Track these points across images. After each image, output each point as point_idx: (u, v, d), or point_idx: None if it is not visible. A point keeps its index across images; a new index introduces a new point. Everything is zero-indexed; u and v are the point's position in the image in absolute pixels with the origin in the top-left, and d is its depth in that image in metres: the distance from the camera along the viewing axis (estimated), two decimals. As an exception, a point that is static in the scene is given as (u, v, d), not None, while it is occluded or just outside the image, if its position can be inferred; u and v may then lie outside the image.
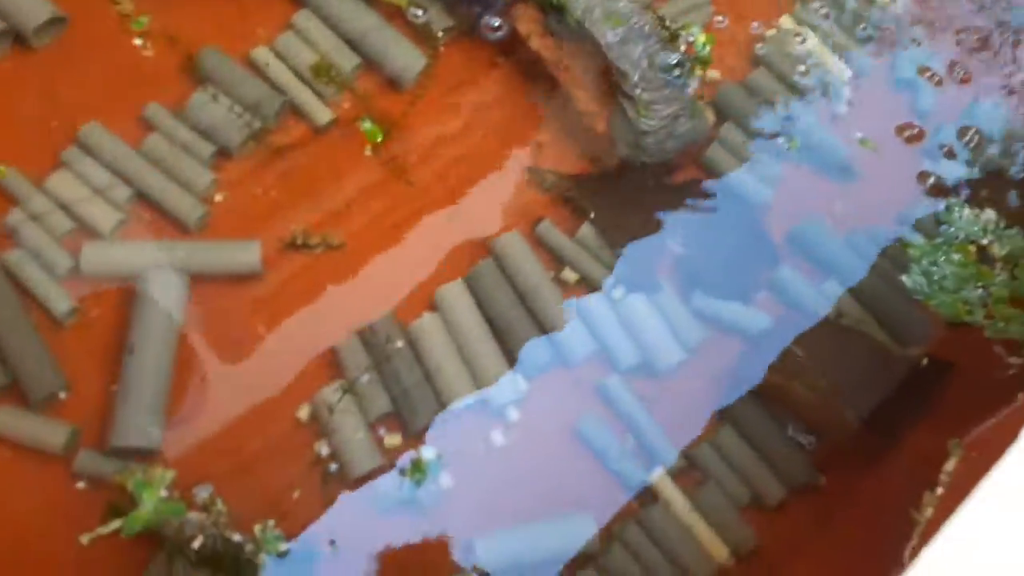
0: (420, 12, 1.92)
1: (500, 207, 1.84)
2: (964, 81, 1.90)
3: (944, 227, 1.74)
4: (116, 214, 1.71)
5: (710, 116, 1.92)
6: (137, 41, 1.86)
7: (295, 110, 1.86)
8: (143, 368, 1.56)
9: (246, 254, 1.70)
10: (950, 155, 1.83)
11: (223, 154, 1.80)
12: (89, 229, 1.70)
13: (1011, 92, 1.91)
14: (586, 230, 1.82)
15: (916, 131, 1.87)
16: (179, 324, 1.62)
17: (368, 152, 1.82)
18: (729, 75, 1.96)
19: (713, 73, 1.95)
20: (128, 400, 1.54)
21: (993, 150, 1.83)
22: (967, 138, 1.81)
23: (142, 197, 1.75)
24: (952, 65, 1.93)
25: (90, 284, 1.67)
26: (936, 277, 1.67)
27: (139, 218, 1.74)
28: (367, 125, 1.83)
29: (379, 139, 1.82)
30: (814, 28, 1.99)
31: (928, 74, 1.92)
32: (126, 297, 1.65)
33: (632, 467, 1.63)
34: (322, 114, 1.85)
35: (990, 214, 1.73)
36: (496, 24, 1.90)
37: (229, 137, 1.79)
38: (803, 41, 1.93)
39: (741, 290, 1.80)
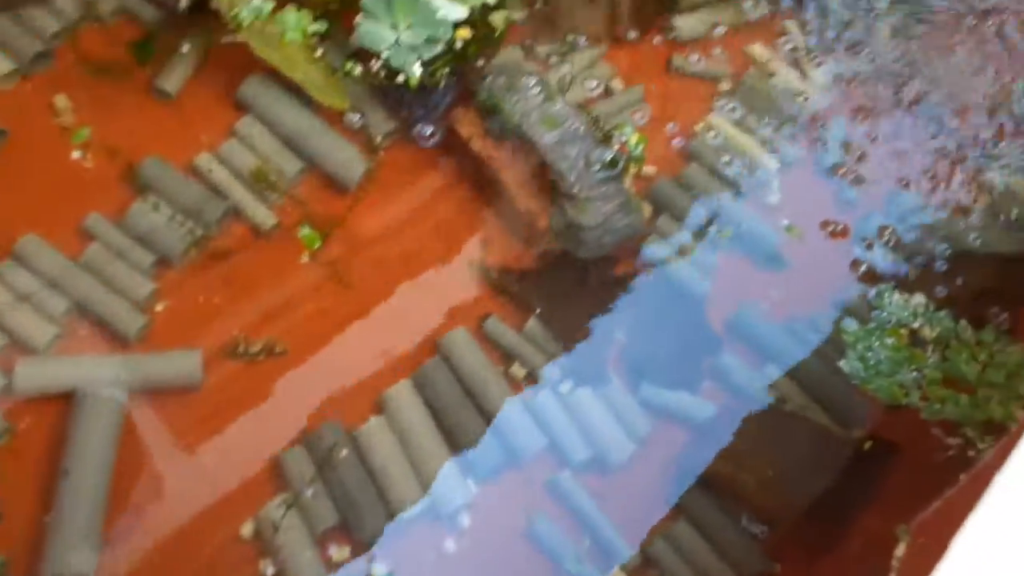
0: (357, 117, 1.89)
1: (445, 305, 1.79)
2: (861, 180, 1.92)
3: (876, 312, 1.73)
4: (51, 328, 1.61)
5: (646, 210, 1.90)
6: (76, 154, 1.79)
7: (239, 215, 1.80)
8: (78, 493, 1.44)
9: (187, 365, 1.61)
10: (873, 247, 1.84)
11: (165, 262, 1.72)
12: (23, 344, 1.59)
13: (915, 183, 1.94)
14: (532, 325, 1.77)
15: (841, 227, 1.88)
16: (116, 442, 1.52)
17: (306, 259, 1.76)
18: (664, 169, 1.95)
19: (648, 169, 1.95)
20: (62, 528, 1.42)
21: (912, 238, 1.84)
22: (885, 238, 1.82)
23: (80, 309, 1.65)
24: (864, 156, 1.96)
25: (24, 402, 1.55)
26: (872, 362, 1.65)
27: (75, 332, 1.64)
28: (305, 231, 1.77)
29: (317, 245, 1.77)
30: (739, 123, 2.00)
31: (843, 171, 1.94)
32: (62, 414, 1.54)
33: (588, 569, 1.55)
34: (266, 219, 1.79)
35: (919, 298, 1.73)
36: (429, 132, 1.89)
37: (171, 245, 1.72)
38: (716, 136, 1.94)
39: (686, 379, 1.76)
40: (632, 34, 2.07)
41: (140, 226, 1.73)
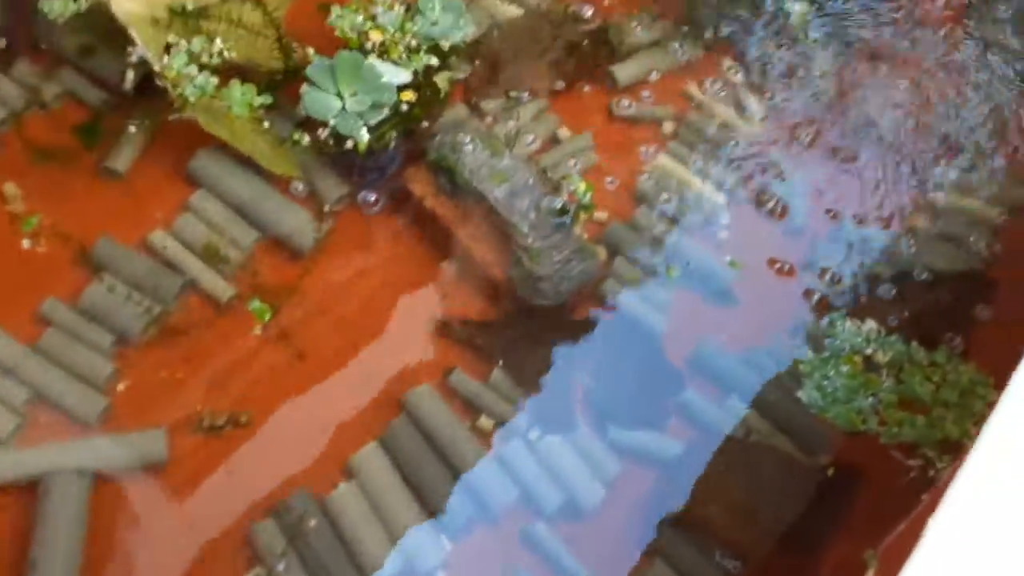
0: (301, 186, 1.93)
1: (409, 362, 1.81)
2: (804, 211, 1.98)
3: (830, 340, 1.78)
4: (13, 419, 1.61)
5: (601, 254, 1.95)
6: (26, 242, 1.81)
7: (196, 289, 1.81)
8: (46, 583, 1.44)
9: (151, 445, 1.61)
10: (822, 277, 1.90)
11: (124, 341, 1.73)
12: (-16, 437, 1.59)
13: (857, 211, 2.00)
14: (497, 375, 1.80)
15: (789, 258, 1.94)
16: (84, 528, 1.51)
17: (258, 331, 1.77)
18: (616, 213, 2.00)
19: (600, 213, 2.00)
20: (31, 621, 1.41)
21: (859, 265, 1.90)
22: (832, 266, 1.89)
23: (41, 396, 1.65)
24: (806, 187, 2.03)
25: (-12, 495, 1.55)
26: (829, 390, 1.70)
27: (38, 419, 1.64)
28: (255, 304, 1.80)
29: (267, 318, 1.79)
30: (684, 162, 2.06)
31: (782, 204, 1.99)
32: (27, 505, 1.53)
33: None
34: (224, 291, 1.81)
35: (871, 324, 1.79)
36: (372, 199, 1.93)
37: (129, 325, 1.73)
38: (663, 178, 1.99)
39: (651, 418, 1.80)
40: (568, 85, 2.12)
41: (97, 307, 1.74)
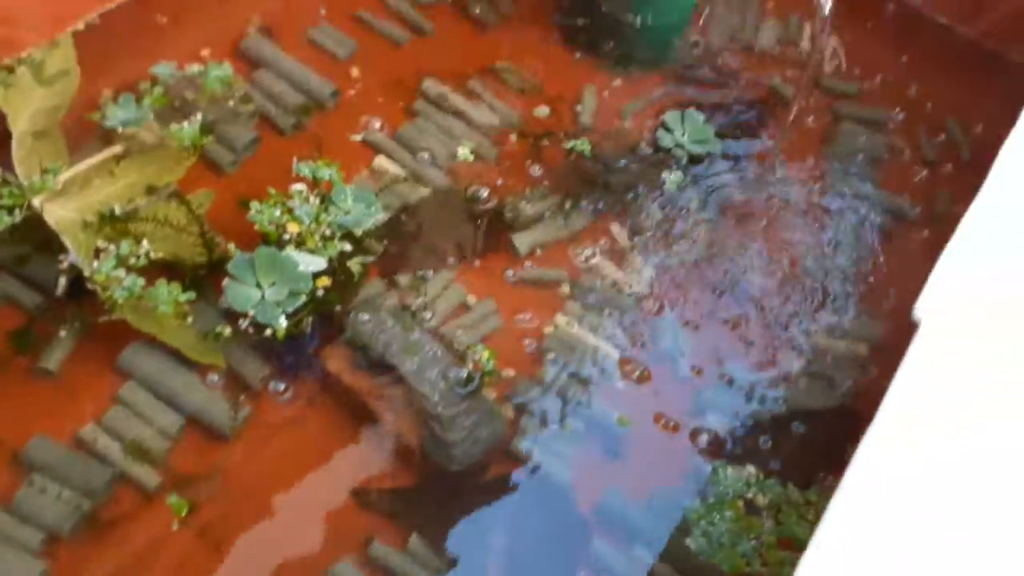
0: (216, 377, 2.01)
1: (328, 537, 1.87)
2: (687, 364, 2.12)
3: (714, 488, 1.89)
4: (-59, 631, 1.63)
5: (509, 411, 2.06)
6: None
7: (126, 480, 1.87)
8: None
9: (78, 647, 1.63)
10: (707, 427, 2.02)
11: (54, 539, 1.77)
12: (-88, 652, 1.60)
13: (734, 360, 2.14)
14: (415, 541, 1.86)
15: (676, 412, 2.06)
16: None
17: (176, 526, 1.82)
18: (521, 371, 2.11)
19: (508, 371, 2.11)
20: None
21: (740, 410, 2.04)
22: (716, 415, 2.01)
23: (-32, 606, 1.67)
24: (687, 338, 2.17)
25: None
26: (715, 535, 1.80)
27: (-36, 630, 1.65)
28: (173, 499, 1.85)
29: (184, 512, 1.84)
30: (581, 321, 2.20)
31: (656, 362, 2.12)
32: None
33: None
34: (149, 480, 1.87)
35: (751, 469, 1.90)
36: (282, 388, 2.02)
37: (59, 523, 1.78)
38: (562, 335, 2.10)
39: (563, 573, 1.86)
40: (471, 257, 2.27)
41: (28, 509, 1.78)
